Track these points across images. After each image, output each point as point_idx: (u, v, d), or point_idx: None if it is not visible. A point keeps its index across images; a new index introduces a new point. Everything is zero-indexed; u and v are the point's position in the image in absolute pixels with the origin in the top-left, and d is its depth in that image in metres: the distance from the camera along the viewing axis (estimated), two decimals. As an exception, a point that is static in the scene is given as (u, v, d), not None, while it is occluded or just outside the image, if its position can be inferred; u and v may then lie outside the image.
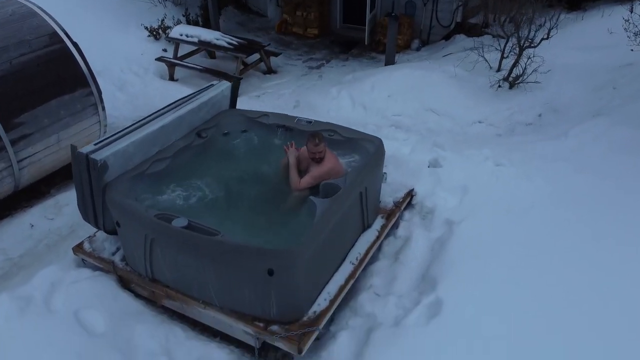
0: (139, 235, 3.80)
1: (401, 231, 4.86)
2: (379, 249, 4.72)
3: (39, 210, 5.52)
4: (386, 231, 4.68)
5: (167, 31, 9.29)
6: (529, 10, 6.98)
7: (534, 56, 6.77)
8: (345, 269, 4.17)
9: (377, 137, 4.61)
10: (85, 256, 4.46)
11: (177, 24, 9.39)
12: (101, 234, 4.61)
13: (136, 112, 7.30)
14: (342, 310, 4.19)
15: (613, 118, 5.91)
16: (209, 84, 5.10)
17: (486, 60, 7.38)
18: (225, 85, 5.04)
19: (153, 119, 4.38)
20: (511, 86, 6.99)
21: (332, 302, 3.88)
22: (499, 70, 7.39)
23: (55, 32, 5.42)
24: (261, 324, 3.68)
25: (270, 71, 9.10)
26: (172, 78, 8.67)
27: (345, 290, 4.05)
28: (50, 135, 5.31)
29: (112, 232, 4.30)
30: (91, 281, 4.29)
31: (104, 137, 4.06)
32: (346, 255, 4.27)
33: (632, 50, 6.81)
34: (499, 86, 7.05)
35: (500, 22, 7.81)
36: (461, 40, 9.11)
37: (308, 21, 10.77)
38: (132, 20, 9.59)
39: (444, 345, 3.50)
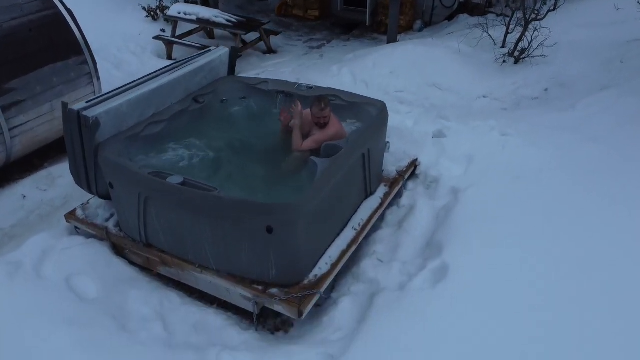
0: (133, 196, 3.64)
1: (405, 200, 4.70)
2: (382, 218, 4.56)
3: (32, 182, 5.35)
4: (389, 199, 4.53)
5: (165, 11, 9.13)
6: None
7: (540, 28, 6.59)
8: (347, 234, 4.02)
9: (380, 100, 4.45)
10: (77, 223, 4.31)
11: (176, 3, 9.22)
12: (95, 201, 4.46)
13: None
14: (344, 277, 4.05)
15: (622, 90, 5.77)
16: (207, 49, 4.94)
17: (490, 36, 7.22)
18: (223, 51, 4.88)
19: (148, 80, 4.22)
20: (516, 61, 6.82)
21: (333, 266, 3.73)
22: (503, 46, 7.22)
23: (49, -3, 5.26)
24: (260, 287, 3.53)
25: (270, 51, 8.93)
26: (170, 57, 8.50)
27: (348, 255, 3.90)
28: (43, 104, 5.15)
29: (105, 196, 4.14)
30: (83, 248, 4.14)
31: (97, 96, 3.90)
32: (348, 221, 4.12)
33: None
34: (504, 61, 6.89)
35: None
36: (464, 19, 8.93)
37: (308, 3, 10.60)
38: (129, 0, 9.43)
39: (451, 308, 3.35)
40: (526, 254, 3.69)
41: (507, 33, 7.16)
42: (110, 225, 4.21)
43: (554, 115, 5.58)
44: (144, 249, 3.96)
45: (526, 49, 6.69)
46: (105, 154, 3.73)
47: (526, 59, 6.77)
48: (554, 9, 6.72)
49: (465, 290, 3.47)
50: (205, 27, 8.89)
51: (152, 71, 4.44)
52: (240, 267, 3.55)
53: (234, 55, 5.02)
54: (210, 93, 4.72)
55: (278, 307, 3.51)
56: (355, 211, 4.24)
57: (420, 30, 9.59)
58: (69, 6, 5.49)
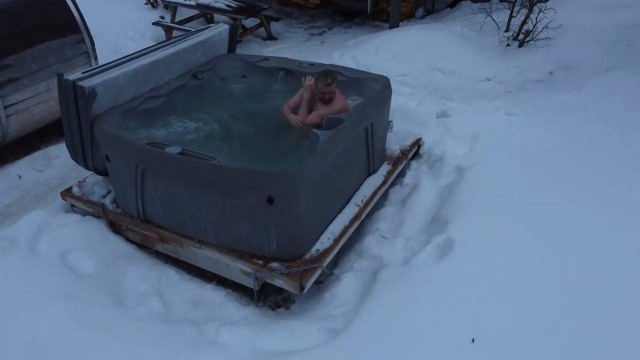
0: (130, 168, 3.55)
1: (408, 179, 4.60)
2: (386, 196, 4.47)
3: (28, 162, 5.27)
4: (392, 177, 4.43)
5: (164, -2, 9.02)
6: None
7: (545, 9, 6.49)
8: (350, 210, 3.93)
9: (383, 75, 4.35)
10: (74, 200, 4.21)
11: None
12: (91, 179, 4.37)
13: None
14: (347, 254, 3.96)
15: (627, 71, 5.69)
16: (206, 25, 4.84)
17: (494, 20, 7.12)
18: (222, 28, 4.78)
19: (146, 54, 4.12)
20: (521, 44, 6.72)
21: (336, 241, 3.63)
22: (507, 30, 7.12)
23: (45, -27, 5.15)
24: (260, 262, 3.44)
25: (270, 37, 8.82)
26: (169, 43, 8.38)
27: (350, 231, 3.81)
28: (40, 82, 5.05)
29: (101, 171, 4.05)
30: (80, 225, 4.04)
31: (93, 67, 3.80)
32: (351, 197, 4.03)
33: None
34: (508, 45, 6.79)
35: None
36: (467, 5, 8.81)
37: (309, -9, 10.49)
38: (128, -12, 9.33)
39: (456, 282, 3.26)
40: (532, 229, 3.61)
41: (510, 16, 7.06)
42: (107, 202, 4.12)
43: (560, 96, 5.48)
44: (141, 225, 3.87)
45: (531, 31, 6.59)
46: (101, 126, 3.63)
47: (530, 42, 6.66)
48: (559, -9, 6.61)
49: (470, 264, 3.38)
50: (205, 12, 8.79)
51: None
52: (240, 240, 3.45)
53: (234, 33, 4.93)
54: (210, 70, 4.62)
55: (279, 282, 3.41)
56: (358, 188, 4.15)
57: (422, 17, 9.47)
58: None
